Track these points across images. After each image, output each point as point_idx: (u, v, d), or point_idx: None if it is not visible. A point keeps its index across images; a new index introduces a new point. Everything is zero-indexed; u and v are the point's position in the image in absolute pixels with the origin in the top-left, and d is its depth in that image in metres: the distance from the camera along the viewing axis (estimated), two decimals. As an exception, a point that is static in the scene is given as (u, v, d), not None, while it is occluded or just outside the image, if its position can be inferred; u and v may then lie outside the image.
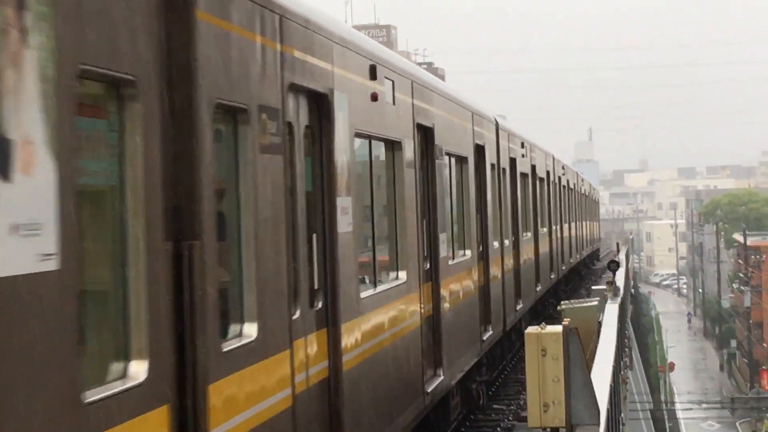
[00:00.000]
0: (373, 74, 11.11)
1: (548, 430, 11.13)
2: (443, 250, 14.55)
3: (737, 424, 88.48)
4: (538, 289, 27.59)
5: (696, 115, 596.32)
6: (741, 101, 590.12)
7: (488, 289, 18.64)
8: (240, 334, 7.41)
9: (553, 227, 32.98)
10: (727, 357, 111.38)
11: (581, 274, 49.42)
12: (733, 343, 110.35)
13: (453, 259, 15.66)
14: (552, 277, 31.63)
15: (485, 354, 18.68)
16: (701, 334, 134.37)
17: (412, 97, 13.23)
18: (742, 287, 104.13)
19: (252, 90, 7.69)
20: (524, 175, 26.03)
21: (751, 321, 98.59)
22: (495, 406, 19.93)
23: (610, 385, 13.12)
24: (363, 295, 10.50)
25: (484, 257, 18.63)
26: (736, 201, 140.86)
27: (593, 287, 29.50)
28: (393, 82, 12.12)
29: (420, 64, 74.57)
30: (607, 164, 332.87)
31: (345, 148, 9.93)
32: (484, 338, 17.79)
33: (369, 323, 10.56)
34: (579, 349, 11.10)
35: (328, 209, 9.57)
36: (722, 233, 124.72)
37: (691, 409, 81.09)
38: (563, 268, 36.39)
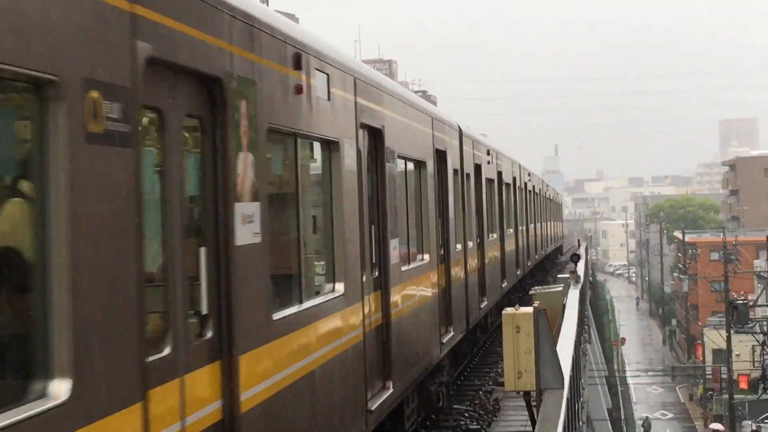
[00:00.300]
0: (297, 64, 8.01)
1: (521, 393, 11.15)
2: (394, 257, 11.44)
3: (677, 388, 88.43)
4: (504, 285, 24.13)
5: (644, 133, 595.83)
6: (680, 123, 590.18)
7: (449, 291, 15.54)
8: (42, 396, 4.32)
9: (519, 227, 29.51)
10: (669, 333, 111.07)
11: (545, 268, 46.56)
12: (674, 322, 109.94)
13: (409, 264, 12.63)
14: (518, 273, 28.32)
15: (448, 353, 15.79)
16: (647, 315, 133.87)
17: (355, 95, 10.03)
18: (681, 276, 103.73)
19: (70, 56, 4.55)
20: (490, 181, 22.65)
21: (688, 303, 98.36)
22: (455, 406, 17.06)
23: (572, 356, 13.05)
24: (278, 315, 7.37)
25: (445, 260, 15.54)
26: (676, 205, 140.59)
27: (558, 276, 29.34)
28: (328, 75, 8.96)
29: (416, 91, 74.44)
30: (570, 174, 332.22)
31: (250, 145, 6.77)
32: (444, 340, 14.73)
33: (286, 347, 7.45)
34: (547, 326, 11.05)
35: (223, 217, 6.39)
36: (665, 231, 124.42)
37: (639, 375, 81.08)
38: (529, 264, 32.87)
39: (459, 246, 17.05)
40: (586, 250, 51.81)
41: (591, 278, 69.30)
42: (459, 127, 18.10)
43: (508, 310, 11.09)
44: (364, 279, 10.00)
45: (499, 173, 24.64)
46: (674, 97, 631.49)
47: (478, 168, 20.37)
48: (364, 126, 10.34)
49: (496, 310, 23.04)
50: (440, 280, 14.83)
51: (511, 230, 27.25)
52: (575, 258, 29.68)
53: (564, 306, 16.93)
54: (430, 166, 14.58)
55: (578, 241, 59.30)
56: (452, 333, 15.43)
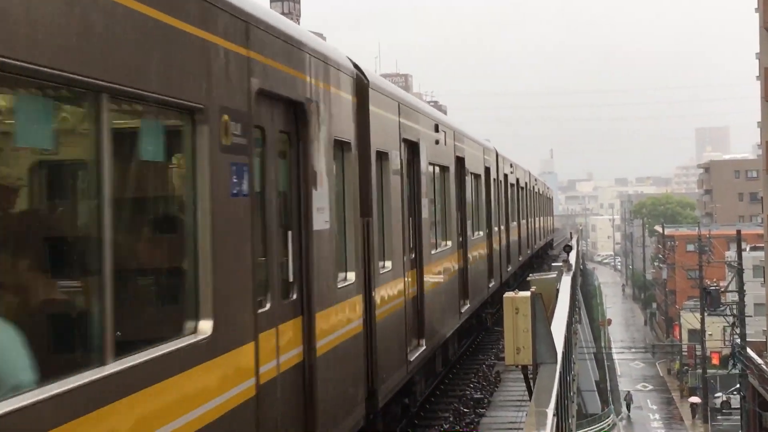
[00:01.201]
0: None
1: (520, 366, 11.14)
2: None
3: (656, 363, 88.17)
4: (465, 309, 15.87)
5: (628, 139, 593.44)
6: (661, 130, 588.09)
7: (327, 357, 7.45)
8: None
9: (495, 228, 21.35)
10: (650, 315, 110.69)
11: (533, 266, 36.91)
12: (654, 305, 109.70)
13: (136, 353, 4.39)
14: (491, 285, 20.05)
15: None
16: (631, 299, 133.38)
17: None
18: (661, 265, 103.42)
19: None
20: (442, 168, 14.58)
21: (667, 289, 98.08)
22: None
23: (565, 335, 13.05)
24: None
25: (303, 308, 7.10)
26: (657, 203, 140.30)
27: (553, 264, 29.31)
28: None
29: (429, 102, 74.13)
30: (563, 175, 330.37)
31: None
32: None
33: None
34: (542, 308, 11.04)
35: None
36: (647, 226, 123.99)
37: (623, 352, 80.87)
38: (509, 269, 24.36)
39: (352, 275, 8.67)
40: (577, 241, 51.57)
41: (581, 266, 69.14)
42: (361, 73, 9.36)
43: (509, 294, 11.08)
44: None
45: (460, 159, 16.46)
46: (655, 107, 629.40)
47: (413, 148, 12.11)
48: None
49: (456, 336, 16.41)
50: (290, 344, 6.80)
51: (482, 233, 19.59)
52: (567, 248, 29.60)
53: (557, 291, 16.87)
54: (270, 133, 6.51)
55: (570, 234, 58.95)
56: (352, 416, 8.17)
